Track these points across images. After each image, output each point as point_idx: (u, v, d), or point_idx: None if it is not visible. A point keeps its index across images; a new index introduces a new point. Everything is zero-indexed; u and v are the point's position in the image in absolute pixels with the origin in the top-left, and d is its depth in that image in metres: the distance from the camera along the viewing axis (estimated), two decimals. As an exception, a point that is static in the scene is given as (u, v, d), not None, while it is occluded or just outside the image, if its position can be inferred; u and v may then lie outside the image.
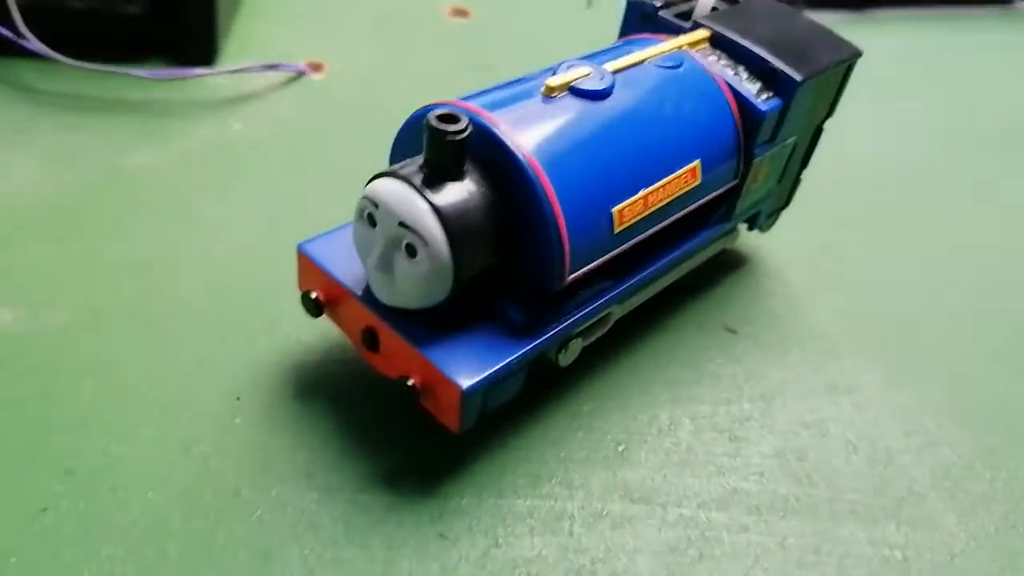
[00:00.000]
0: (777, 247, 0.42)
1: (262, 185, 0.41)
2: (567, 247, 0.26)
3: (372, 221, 0.26)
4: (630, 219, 0.28)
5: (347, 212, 0.35)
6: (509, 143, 0.26)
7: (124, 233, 0.37)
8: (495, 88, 0.29)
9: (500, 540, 0.28)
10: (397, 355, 0.27)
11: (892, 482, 0.32)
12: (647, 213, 0.29)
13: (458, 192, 0.25)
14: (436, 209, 0.25)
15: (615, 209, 0.28)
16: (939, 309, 0.41)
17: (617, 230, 0.28)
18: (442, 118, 0.25)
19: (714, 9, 0.36)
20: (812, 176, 0.40)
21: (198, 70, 0.45)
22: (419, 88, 0.50)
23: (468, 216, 0.25)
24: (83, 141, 0.41)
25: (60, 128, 0.42)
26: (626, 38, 0.36)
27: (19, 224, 0.36)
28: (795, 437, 0.33)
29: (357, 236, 0.27)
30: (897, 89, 0.61)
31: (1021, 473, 0.33)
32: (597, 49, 0.33)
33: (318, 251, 0.30)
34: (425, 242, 0.25)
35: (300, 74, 0.49)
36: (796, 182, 0.39)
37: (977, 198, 0.50)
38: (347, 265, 0.29)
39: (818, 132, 0.38)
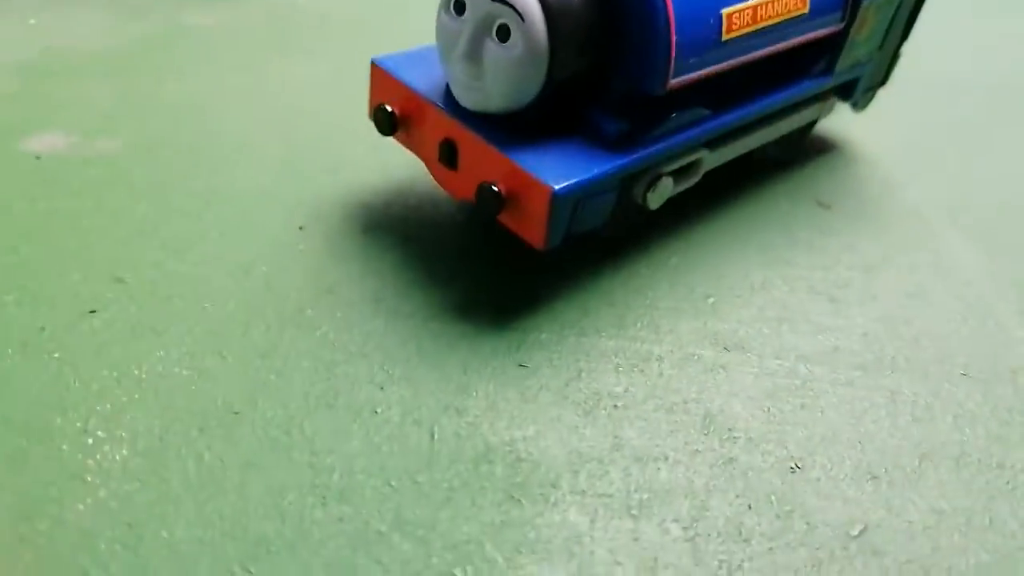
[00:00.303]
0: (868, 137, 0.40)
1: (325, 48, 0.39)
2: (674, 39, 0.24)
3: (460, 8, 0.24)
4: (739, 28, 0.26)
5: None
6: (616, -80, 0.23)
7: (184, 78, 0.35)
8: None
9: (583, 373, 0.25)
10: (479, 164, 0.25)
11: (1006, 352, 0.29)
12: (756, 28, 0.27)
13: (557, -29, 0.23)
14: (534, -16, 0.23)
15: (725, 11, 0.25)
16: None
17: (725, 37, 0.25)
18: None
19: None
20: (904, 80, 0.37)
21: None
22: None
23: (568, -1, 0.23)
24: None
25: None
26: None
27: (79, 65, 0.35)
28: (899, 304, 0.30)
29: (442, 29, 0.25)
30: (987, 13, 0.58)
31: None
32: None
33: (394, 64, 0.27)
34: (522, 17, 0.23)
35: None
36: (896, 56, 0.36)
37: None
38: (425, 76, 0.27)
39: (920, 1, 0.35)
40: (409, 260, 0.28)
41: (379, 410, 0.23)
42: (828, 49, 0.31)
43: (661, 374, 0.26)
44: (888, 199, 0.36)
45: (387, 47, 0.39)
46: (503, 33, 0.23)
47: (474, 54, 0.24)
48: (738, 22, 0.26)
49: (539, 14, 0.23)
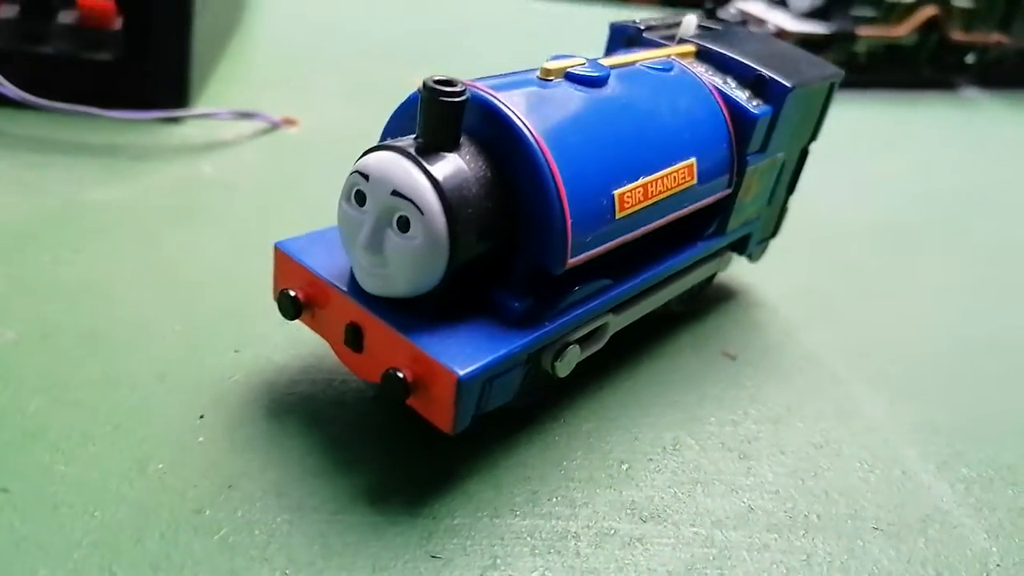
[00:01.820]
0: (765, 286, 0.41)
1: (229, 219, 0.39)
2: (569, 222, 0.25)
3: (360, 198, 0.24)
4: (631, 206, 0.27)
5: None
6: (511, 115, 0.24)
7: (81, 258, 0.34)
8: (492, 76, 0.28)
9: (498, 560, 0.24)
10: (384, 349, 0.25)
11: (914, 499, 0.29)
12: (647, 203, 0.28)
13: (455, 162, 0.24)
14: (431, 177, 0.23)
15: (617, 192, 0.26)
16: (931, 340, 0.40)
17: (619, 215, 0.27)
18: (439, 82, 0.24)
19: (697, 32, 0.36)
20: (792, 228, 0.40)
21: (169, 111, 0.44)
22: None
23: (466, 188, 0.24)
24: (44, 176, 0.39)
25: (20, 165, 0.40)
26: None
27: (-34, 249, 0.34)
28: (807, 457, 0.30)
29: (343, 217, 0.25)
30: (859, 156, 0.62)
31: (1045, 494, 0.31)
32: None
33: (297, 247, 0.27)
34: (420, 211, 0.23)
35: (274, 126, 0.48)
36: (784, 209, 0.39)
37: (947, 247, 0.50)
38: (327, 260, 0.27)
39: (804, 154, 0.37)
40: (316, 445, 0.27)
41: (283, 623, 0.22)
42: (719, 212, 0.33)
43: (578, 554, 0.25)
44: (788, 345, 0.37)
45: (295, 218, 0.39)
46: (403, 224, 0.24)
47: (376, 244, 0.24)
48: (630, 200, 0.27)
49: (438, 206, 0.23)
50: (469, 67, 0.68)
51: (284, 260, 0.27)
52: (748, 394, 0.33)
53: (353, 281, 0.26)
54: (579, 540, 0.25)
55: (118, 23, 0.44)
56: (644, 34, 0.35)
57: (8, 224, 0.35)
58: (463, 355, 0.24)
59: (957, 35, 0.78)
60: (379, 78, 0.61)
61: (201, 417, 0.27)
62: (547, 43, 0.77)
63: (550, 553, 0.25)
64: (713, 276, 0.37)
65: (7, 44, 0.43)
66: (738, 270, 0.41)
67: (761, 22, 0.68)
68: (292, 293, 0.27)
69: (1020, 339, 0.41)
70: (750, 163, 0.33)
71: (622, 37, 0.36)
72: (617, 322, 0.31)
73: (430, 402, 0.24)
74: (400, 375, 0.24)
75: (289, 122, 0.49)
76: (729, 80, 0.33)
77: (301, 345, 0.31)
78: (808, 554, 0.26)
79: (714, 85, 0.32)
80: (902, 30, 0.74)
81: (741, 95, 0.32)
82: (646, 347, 0.35)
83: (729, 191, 0.33)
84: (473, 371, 0.23)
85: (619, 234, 0.27)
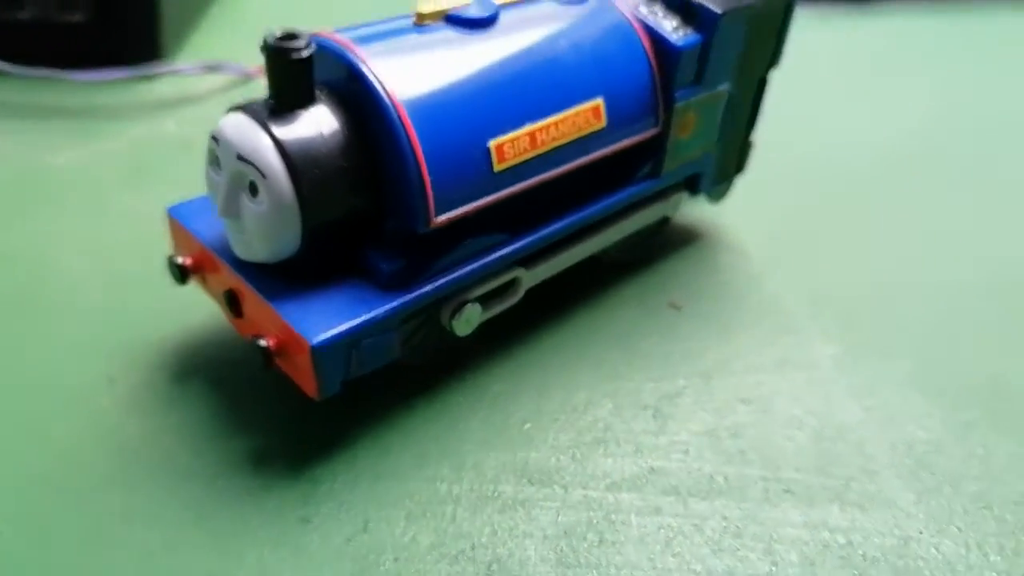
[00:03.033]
0: (739, 227, 0.39)
1: (181, 178, 0.38)
2: (428, 180, 0.23)
3: (217, 163, 0.24)
4: (514, 157, 0.25)
5: None
6: (362, 68, 0.23)
7: (25, 223, 0.35)
8: (367, 24, 0.26)
9: (370, 525, 0.24)
10: (257, 315, 0.25)
11: (841, 460, 0.27)
12: (537, 152, 0.26)
13: (305, 122, 0.23)
14: (275, 139, 0.22)
15: (492, 143, 0.25)
16: (909, 285, 0.36)
17: (498, 168, 0.25)
18: (282, 37, 0.23)
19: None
20: (781, 156, 0.37)
21: (133, 70, 0.45)
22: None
23: (315, 148, 0.23)
24: (7, 142, 0.41)
25: (-13, 132, 0.41)
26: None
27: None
28: (732, 413, 0.29)
29: (208, 183, 0.25)
30: (882, 79, 0.57)
31: (1001, 449, 0.28)
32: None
33: (188, 212, 0.27)
34: (264, 176, 0.22)
35: (247, 77, 0.48)
36: (746, 144, 0.36)
37: (952, 185, 0.45)
38: (215, 226, 0.27)
39: (762, 84, 0.34)
40: (213, 408, 0.27)
41: (140, 583, 0.22)
42: (650, 153, 0.31)
43: (453, 518, 0.25)
44: (748, 293, 0.35)
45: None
46: (253, 189, 0.23)
47: (231, 209, 0.24)
48: (511, 151, 0.25)
49: (281, 169, 0.22)
50: None
51: (175, 226, 0.27)
52: (683, 348, 0.32)
53: (230, 248, 0.26)
54: (458, 504, 0.25)
55: (85, -17, 0.44)
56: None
57: (-38, 193, 0.37)
58: (320, 322, 0.23)
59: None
60: (377, 6, 0.59)
61: (110, 380, 0.28)
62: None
63: (424, 517, 0.25)
64: (666, 220, 0.35)
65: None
66: (710, 211, 0.39)
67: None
68: (179, 260, 0.27)
69: (1005, 287, 0.37)
70: (680, 99, 0.30)
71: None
72: (532, 276, 0.29)
73: (295, 368, 0.24)
74: (262, 343, 0.24)
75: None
76: (656, 7, 0.30)
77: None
78: (703, 517, 0.25)
79: (636, 15, 0.30)
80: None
81: (667, 24, 0.30)
82: (584, 300, 0.33)
83: (657, 130, 0.30)
84: (328, 338, 0.23)
85: (503, 186, 0.26)
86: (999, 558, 0.24)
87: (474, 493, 0.25)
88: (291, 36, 0.23)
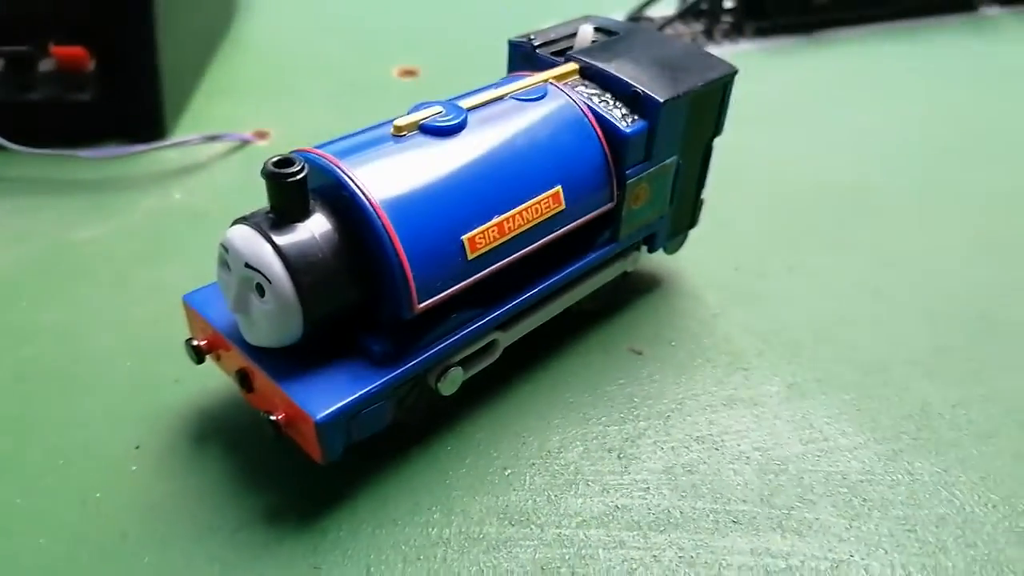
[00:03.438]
0: (693, 269, 0.43)
1: (192, 250, 0.43)
2: (410, 275, 0.27)
3: (227, 266, 0.28)
4: (484, 246, 0.29)
5: None
6: (347, 179, 0.27)
7: (57, 302, 0.39)
8: (351, 135, 0.31)
9: (371, 569, 0.28)
10: (266, 392, 0.29)
11: (782, 491, 0.31)
12: (506, 239, 0.30)
13: (302, 232, 0.27)
14: (277, 248, 0.26)
15: (465, 237, 0.29)
16: (853, 318, 0.40)
17: (471, 256, 0.29)
18: (278, 163, 0.27)
19: (593, 42, 0.37)
20: (737, 198, 0.40)
21: (140, 146, 0.49)
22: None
23: (312, 254, 0.27)
24: (32, 220, 0.45)
25: (8, 211, 0.45)
26: (504, 78, 0.37)
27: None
28: (686, 451, 0.33)
29: (220, 281, 0.29)
30: (833, 109, 0.61)
31: (927, 476, 0.32)
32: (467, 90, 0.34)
33: (200, 300, 0.31)
34: (269, 281, 0.26)
35: (245, 142, 0.52)
36: (697, 202, 0.40)
37: (900, 214, 0.50)
38: (226, 312, 0.31)
39: (708, 151, 0.38)
40: (231, 469, 0.31)
41: (179, 631, 0.26)
42: (608, 223, 0.35)
43: (444, 559, 0.29)
44: (702, 334, 0.39)
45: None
46: (260, 290, 0.27)
47: (242, 306, 0.28)
48: (482, 241, 0.29)
49: (284, 275, 0.26)
50: (452, 51, 0.69)
51: (191, 313, 0.31)
52: (644, 390, 0.36)
53: (240, 332, 0.30)
54: (448, 546, 0.29)
55: (91, 65, 0.48)
56: (538, 51, 0.37)
57: (-1, 272, 0.41)
58: (323, 400, 0.27)
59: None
60: (361, 75, 0.63)
61: (137, 447, 0.32)
62: (529, 15, 0.77)
63: (419, 560, 0.29)
64: (625, 274, 0.39)
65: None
66: (667, 259, 0.43)
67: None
68: (195, 342, 0.31)
69: (942, 315, 0.41)
70: (631, 176, 0.34)
71: (519, 55, 0.37)
72: (508, 336, 0.33)
73: (302, 437, 0.28)
74: (272, 418, 0.28)
75: (260, 135, 0.53)
76: (608, 97, 0.34)
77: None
78: (660, 550, 0.29)
79: (589, 106, 0.34)
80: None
81: (616, 113, 0.34)
82: (555, 348, 0.37)
83: (612, 204, 0.34)
84: (329, 414, 0.27)
85: (475, 272, 0.30)
86: None
87: (462, 535, 0.29)
88: (287, 162, 0.27)
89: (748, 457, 0.33)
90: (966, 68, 0.70)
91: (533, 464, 0.32)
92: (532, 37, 0.37)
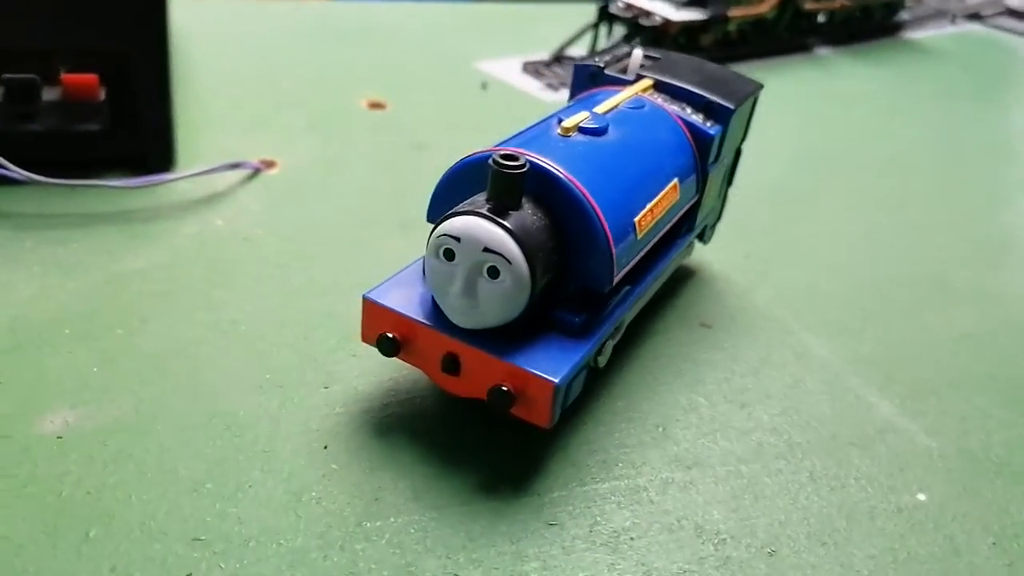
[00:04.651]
0: (712, 260, 0.50)
1: (261, 268, 0.43)
2: (614, 252, 0.32)
3: (449, 256, 0.30)
4: (645, 227, 0.34)
5: (349, 277, 0.43)
6: (560, 174, 0.31)
7: (151, 327, 0.38)
8: (515, 136, 0.34)
9: (598, 518, 0.31)
10: (481, 371, 0.31)
11: (868, 417, 0.39)
12: (653, 223, 0.35)
13: (522, 218, 0.30)
14: (512, 233, 0.30)
15: (636, 219, 0.33)
16: (849, 285, 0.50)
17: (639, 237, 0.34)
18: (504, 157, 0.30)
19: (642, 65, 0.43)
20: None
21: (169, 175, 0.47)
22: (371, 169, 0.55)
23: (535, 236, 0.30)
24: (72, 251, 0.42)
25: (47, 242, 0.42)
26: (579, 96, 0.42)
27: (43, 333, 0.37)
28: (787, 397, 0.39)
29: (432, 272, 0.31)
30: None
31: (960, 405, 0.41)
32: (558, 108, 0.39)
33: (383, 296, 0.33)
34: (509, 261, 0.29)
35: (256, 171, 0.52)
36: (725, 198, 0.47)
37: (841, 200, 0.61)
38: (412, 303, 0.33)
39: (738, 153, 0.46)
40: (423, 455, 0.33)
41: (462, 594, 0.28)
42: (690, 214, 0.41)
43: (651, 501, 0.33)
44: (746, 308, 0.46)
45: (321, 259, 0.44)
46: (493, 272, 0.30)
47: (470, 291, 0.30)
48: (644, 223, 0.34)
49: (520, 256, 0.30)
50: (404, 84, 0.72)
51: (374, 308, 0.33)
52: (729, 355, 0.42)
53: (442, 318, 0.32)
54: (648, 491, 0.33)
55: (102, 94, 0.46)
56: (605, 71, 0.42)
57: (67, 304, 0.39)
58: (552, 367, 0.31)
59: (809, 4, 0.90)
60: (332, 107, 0.65)
61: (325, 447, 0.33)
62: (471, 44, 0.82)
63: (632, 505, 0.32)
64: (681, 264, 0.45)
65: None
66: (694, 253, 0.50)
67: (648, 14, 0.76)
68: (391, 335, 0.32)
69: (916, 275, 0.51)
70: (710, 171, 0.40)
71: (585, 74, 0.43)
72: (630, 315, 0.38)
73: (531, 406, 0.31)
74: (504, 389, 0.30)
75: (267, 164, 0.53)
76: (684, 106, 0.40)
77: (374, 374, 0.37)
78: (811, 471, 0.35)
79: (675, 113, 0.40)
80: (764, 7, 0.85)
81: (697, 119, 0.40)
82: (644, 328, 0.43)
83: (697, 197, 0.40)
84: (563, 377, 0.30)
85: (639, 251, 0.34)
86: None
87: (655, 482, 0.33)
88: (512, 157, 0.30)
89: (832, 397, 0.40)
90: (814, 93, 0.84)
91: (678, 420, 0.37)
92: (596, 60, 0.43)
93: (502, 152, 0.30)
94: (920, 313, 0.47)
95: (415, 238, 0.38)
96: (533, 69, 0.77)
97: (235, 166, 0.50)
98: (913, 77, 0.94)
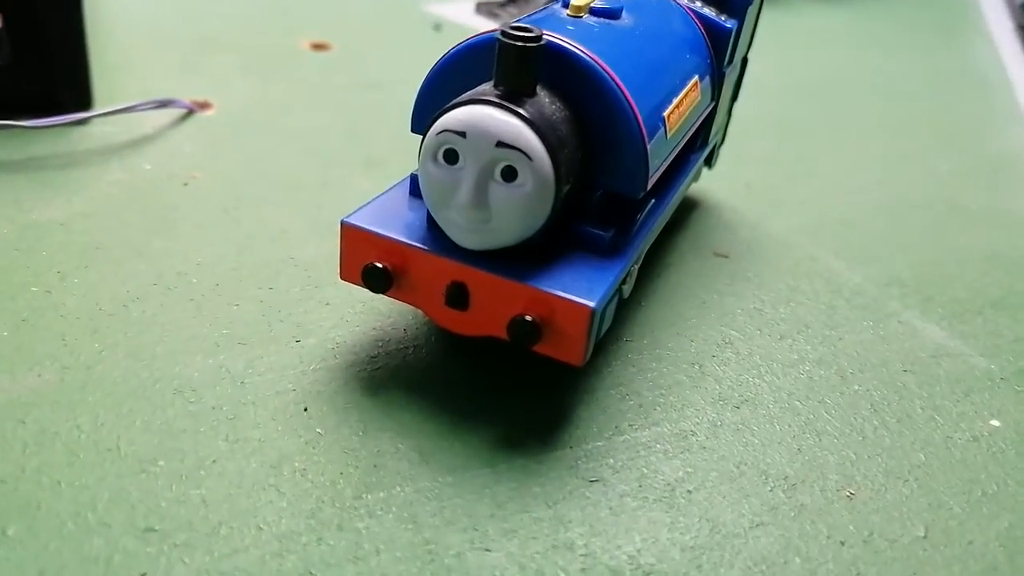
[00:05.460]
0: (713, 189, 0.45)
1: (205, 214, 0.36)
2: (648, 149, 0.26)
3: (452, 158, 0.24)
4: (674, 125, 0.29)
5: (310, 219, 0.37)
6: (583, 54, 0.25)
7: (76, 283, 0.31)
8: (534, 14, 0.28)
9: (645, 470, 0.26)
10: (497, 301, 0.25)
11: (917, 342, 0.34)
12: (680, 122, 0.30)
13: (540, 105, 0.25)
14: (530, 122, 0.24)
15: (665, 113, 0.28)
16: (862, 208, 0.45)
17: (669, 135, 0.28)
18: (516, 29, 0.24)
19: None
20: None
21: (88, 112, 0.40)
22: (324, 109, 0.49)
23: (559, 129, 0.25)
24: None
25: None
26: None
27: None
28: (825, 326, 0.35)
29: (432, 181, 0.25)
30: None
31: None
32: None
33: (367, 220, 0.27)
34: (529, 157, 0.24)
35: (189, 112, 0.45)
36: (730, 116, 0.42)
37: (836, 128, 0.57)
38: (403, 227, 0.27)
39: (745, 62, 0.41)
40: (425, 410, 0.27)
41: (497, 573, 0.22)
42: (704, 124, 0.36)
43: (703, 447, 0.27)
44: (762, 237, 0.41)
45: (276, 201, 0.38)
46: (508, 174, 0.24)
47: (480, 200, 0.24)
48: (673, 119, 0.29)
49: (543, 150, 0.24)
50: (349, 26, 0.66)
51: (358, 235, 0.27)
52: (755, 284, 0.37)
53: (445, 240, 0.26)
54: (697, 436, 0.28)
55: (-2, 22, 0.39)
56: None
57: (-35, 262, 0.31)
58: (585, 288, 0.25)
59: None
60: (269, 49, 0.57)
61: (305, 409, 0.27)
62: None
63: (681, 453, 0.27)
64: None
65: None
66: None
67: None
68: (380, 265, 0.26)
69: (929, 198, 0.48)
70: (726, 75, 0.35)
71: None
72: (651, 237, 0.33)
73: (560, 339, 0.25)
74: (529, 319, 0.25)
75: (202, 105, 0.46)
76: (696, 0, 0.35)
77: (354, 323, 0.31)
78: (871, 403, 0.30)
79: (688, 6, 0.34)
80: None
81: (711, 12, 0.35)
82: (655, 259, 0.37)
83: (714, 104, 0.35)
84: (600, 300, 0.25)
85: (668, 153, 0.29)
86: None
87: (702, 425, 0.28)
88: (524, 29, 0.24)
89: (875, 324, 0.35)
90: (786, 33, 0.81)
91: (714, 356, 0.32)
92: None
93: (513, 24, 0.24)
94: (944, 235, 0.44)
95: (384, 175, 0.32)
96: (487, 10, 0.71)
97: (163, 104, 0.43)
98: (872, 15, 0.91)
